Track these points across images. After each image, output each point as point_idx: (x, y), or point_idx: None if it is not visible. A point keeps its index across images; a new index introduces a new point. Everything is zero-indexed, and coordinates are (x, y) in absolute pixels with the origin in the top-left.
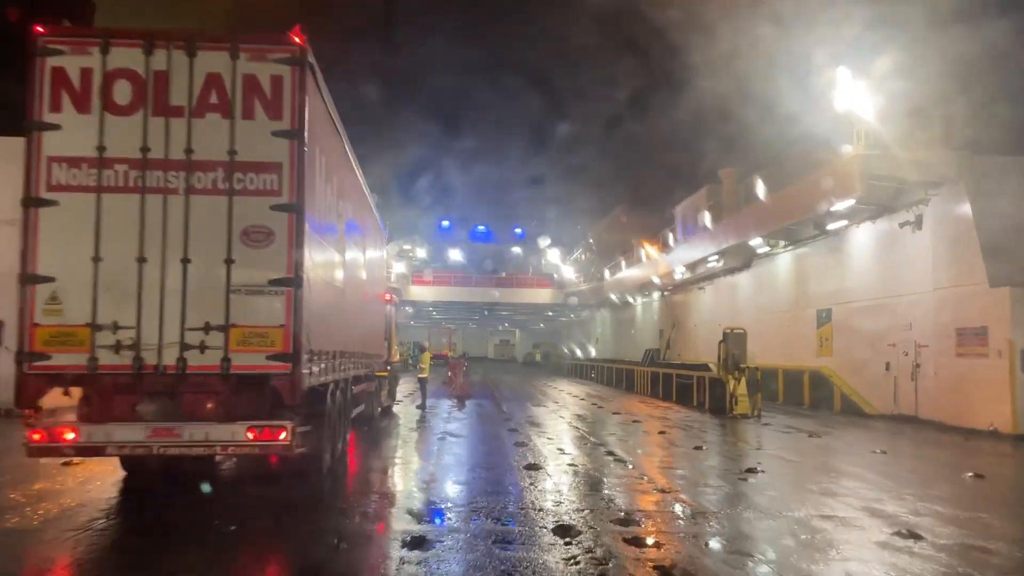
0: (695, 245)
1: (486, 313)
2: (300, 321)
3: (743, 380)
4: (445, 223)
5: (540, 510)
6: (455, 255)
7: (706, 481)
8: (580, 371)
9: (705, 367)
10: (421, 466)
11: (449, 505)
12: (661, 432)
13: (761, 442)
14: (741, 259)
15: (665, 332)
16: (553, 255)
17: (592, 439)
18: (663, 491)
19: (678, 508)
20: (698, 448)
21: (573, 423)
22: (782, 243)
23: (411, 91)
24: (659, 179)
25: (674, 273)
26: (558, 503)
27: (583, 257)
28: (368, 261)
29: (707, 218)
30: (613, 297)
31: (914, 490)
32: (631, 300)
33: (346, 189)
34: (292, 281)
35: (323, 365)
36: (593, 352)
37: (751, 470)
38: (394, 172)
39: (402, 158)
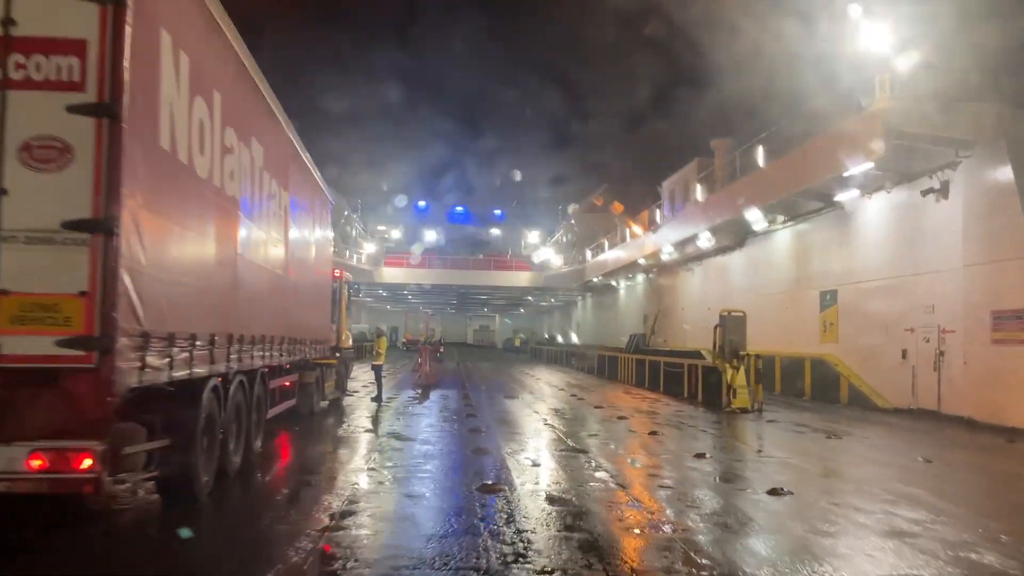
0: (684, 222)
1: (464, 296)
2: (115, 286)
3: (742, 369)
4: (421, 203)
5: (487, 574)
6: (431, 236)
7: (719, 510)
8: (561, 358)
9: (697, 354)
10: (340, 487)
11: (351, 565)
12: (652, 433)
13: (772, 446)
14: (734, 236)
15: (650, 317)
16: (533, 237)
17: (570, 443)
18: (661, 528)
19: (689, 566)
20: (700, 456)
21: (549, 421)
22: (780, 218)
23: (386, 64)
24: (644, 154)
25: (661, 253)
26: (515, 558)
27: (564, 239)
28: (300, 228)
29: (698, 191)
30: (595, 280)
31: (1003, 524)
32: (614, 283)
33: (245, 121)
34: (99, 224)
35: (187, 354)
36: (575, 338)
37: (775, 491)
38: (368, 149)
39: (376, 134)
